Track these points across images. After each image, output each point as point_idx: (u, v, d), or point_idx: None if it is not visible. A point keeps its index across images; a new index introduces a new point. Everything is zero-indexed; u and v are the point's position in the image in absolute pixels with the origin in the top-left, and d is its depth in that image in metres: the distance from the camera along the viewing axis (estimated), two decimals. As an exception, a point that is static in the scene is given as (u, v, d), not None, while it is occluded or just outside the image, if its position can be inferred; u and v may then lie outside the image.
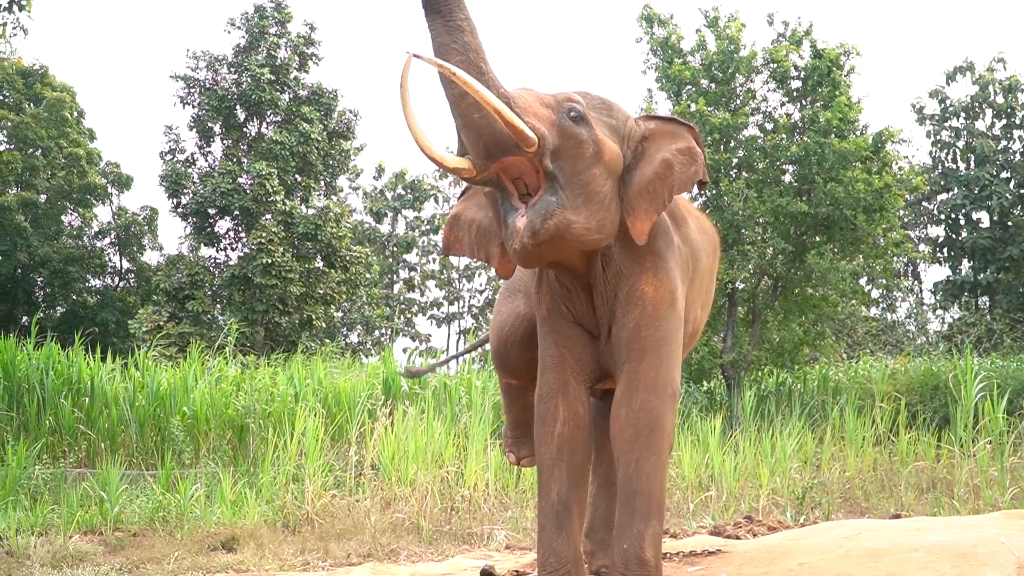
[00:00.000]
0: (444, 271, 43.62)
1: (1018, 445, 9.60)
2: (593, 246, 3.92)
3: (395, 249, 42.63)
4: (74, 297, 31.76)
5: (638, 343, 4.11)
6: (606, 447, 4.72)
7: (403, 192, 43.08)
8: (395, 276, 43.07)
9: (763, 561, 4.80)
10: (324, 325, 28.96)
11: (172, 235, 58.35)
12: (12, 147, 31.34)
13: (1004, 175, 37.07)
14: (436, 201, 43.57)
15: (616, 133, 4.05)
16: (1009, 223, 36.39)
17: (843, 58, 20.79)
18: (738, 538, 6.49)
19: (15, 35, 8.75)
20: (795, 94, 21.00)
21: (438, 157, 3.71)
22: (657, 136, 4.26)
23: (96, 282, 33.04)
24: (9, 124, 31.19)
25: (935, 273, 38.61)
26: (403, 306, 42.80)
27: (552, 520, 4.06)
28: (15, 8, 8.75)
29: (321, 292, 28.36)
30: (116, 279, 33.68)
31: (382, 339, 40.05)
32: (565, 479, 4.08)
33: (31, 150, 31.86)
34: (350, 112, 30.68)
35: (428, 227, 43.35)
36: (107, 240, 33.81)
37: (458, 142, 3.80)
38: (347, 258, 29.09)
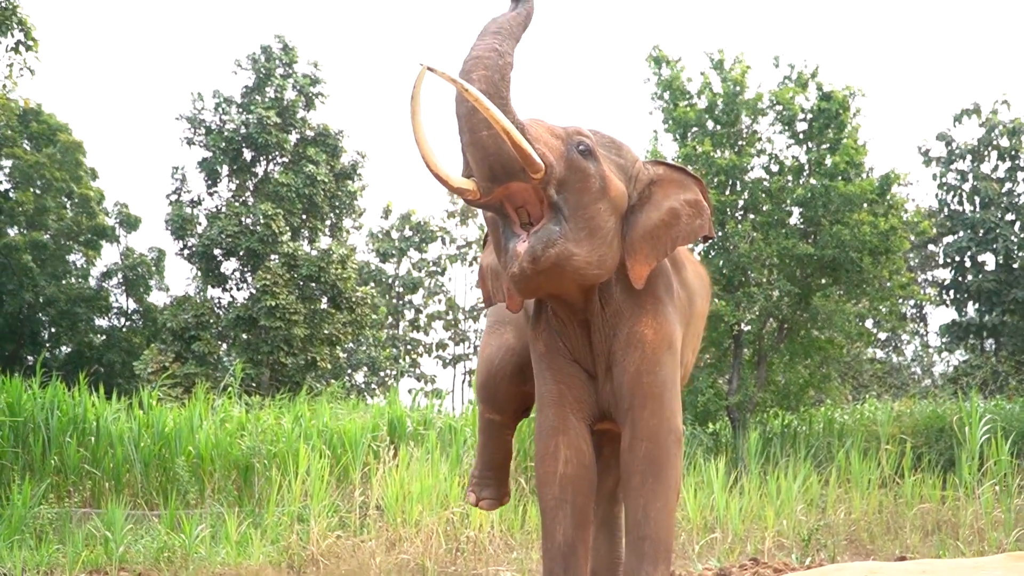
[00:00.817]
0: (450, 312, 43.63)
1: (1023, 487, 9.57)
2: (592, 281, 3.89)
3: (401, 290, 42.64)
4: (80, 337, 31.74)
5: (640, 389, 4.10)
6: (603, 488, 4.70)
7: (409, 233, 43.05)
8: (401, 316, 43.03)
9: (770, 603, 4.78)
10: (329, 366, 28.93)
11: (179, 276, 58.51)
12: (20, 187, 31.37)
13: (1009, 217, 37.11)
14: (443, 243, 43.54)
15: (623, 172, 4.05)
16: (1015, 266, 36.41)
17: (849, 100, 20.87)
18: (742, 581, 6.49)
19: (22, 75, 8.81)
20: (801, 136, 21.04)
21: (443, 175, 3.70)
22: (665, 183, 4.26)
23: (102, 322, 33.07)
24: (23, 164, 31.25)
25: (941, 315, 38.63)
26: (408, 347, 42.77)
27: (560, 564, 4.03)
28: (22, 49, 8.80)
29: (326, 333, 28.35)
30: (122, 319, 33.70)
31: (387, 380, 39.94)
32: (570, 521, 4.05)
33: (41, 191, 31.84)
34: (357, 153, 30.81)
35: (434, 268, 43.35)
36: (114, 281, 33.81)
37: (463, 163, 3.79)
38: (352, 299, 29.10)
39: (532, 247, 3.63)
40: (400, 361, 41.56)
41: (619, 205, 4.01)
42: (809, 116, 20.85)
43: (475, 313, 43.59)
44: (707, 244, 19.66)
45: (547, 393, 4.20)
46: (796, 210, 20.20)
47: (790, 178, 20.39)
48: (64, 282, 31.57)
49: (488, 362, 5.10)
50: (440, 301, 43.94)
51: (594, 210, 3.85)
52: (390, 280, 42.27)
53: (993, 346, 36.39)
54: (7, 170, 31.69)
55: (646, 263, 4.07)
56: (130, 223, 34.67)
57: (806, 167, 20.66)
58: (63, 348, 31.69)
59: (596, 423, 4.31)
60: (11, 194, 31.36)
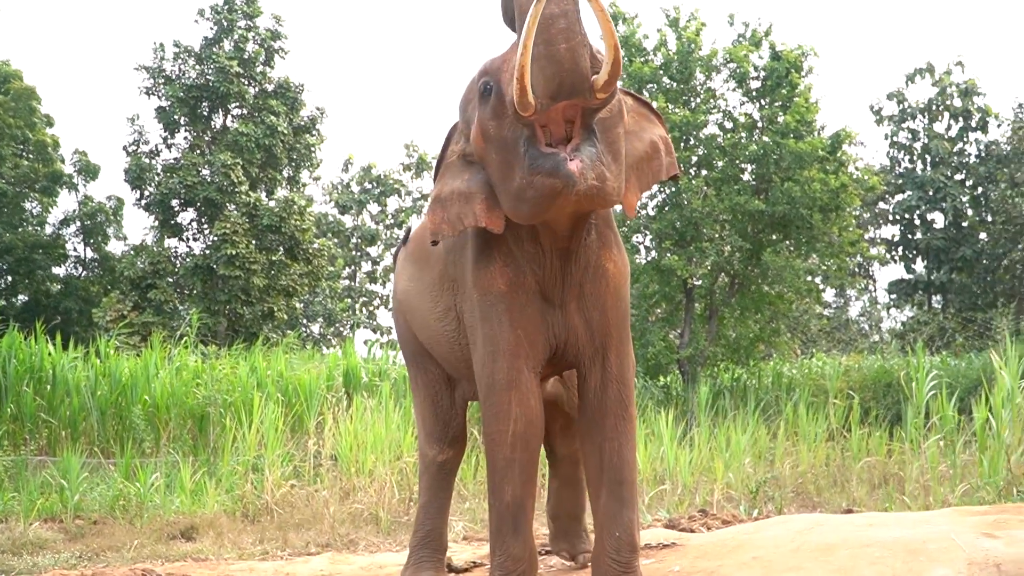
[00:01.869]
0: (406, 263, 43.53)
1: (968, 443, 9.65)
2: (612, 204, 3.78)
3: (359, 242, 42.55)
4: (37, 285, 31.45)
5: (607, 325, 4.04)
6: (566, 451, 4.65)
7: (369, 186, 43.03)
8: (358, 268, 42.98)
9: (717, 555, 4.82)
10: (286, 317, 28.89)
11: (137, 225, 58.09)
12: None
13: (959, 177, 37.33)
14: (400, 196, 43.52)
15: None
16: (963, 224, 36.65)
17: (802, 59, 20.94)
18: (692, 531, 6.54)
19: (-22, 22, 8.63)
20: (754, 94, 21.10)
21: (528, 91, 3.40)
22: (640, 116, 4.15)
23: (59, 270, 32.76)
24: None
25: (889, 272, 38.88)
26: (365, 299, 42.75)
27: (508, 523, 4.00)
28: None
29: (284, 284, 28.30)
30: (80, 268, 33.39)
31: (343, 331, 39.99)
32: (518, 479, 4.00)
33: (-5, 138, 31.53)
34: (316, 108, 30.75)
35: (392, 221, 43.34)
36: (71, 229, 33.45)
37: (519, 91, 3.44)
38: (310, 251, 29.09)
39: (586, 163, 3.45)
40: (356, 312, 41.60)
41: (627, 130, 3.90)
42: (762, 74, 20.91)
43: (429, 264, 43.56)
44: (664, 196, 19.79)
45: (503, 340, 3.97)
46: (748, 167, 20.30)
47: (743, 135, 20.47)
48: (20, 230, 31.17)
49: (429, 399, 5.05)
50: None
51: (616, 134, 3.71)
52: (349, 232, 42.16)
53: (941, 303, 36.68)
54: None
55: (636, 192, 4.00)
56: (89, 171, 34.21)
57: (759, 124, 20.73)
58: (20, 296, 31.36)
59: (542, 368, 4.16)
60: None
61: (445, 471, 5.19)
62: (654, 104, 4.54)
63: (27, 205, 32.50)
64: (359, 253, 42.85)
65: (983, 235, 35.41)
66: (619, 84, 3.93)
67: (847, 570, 4.27)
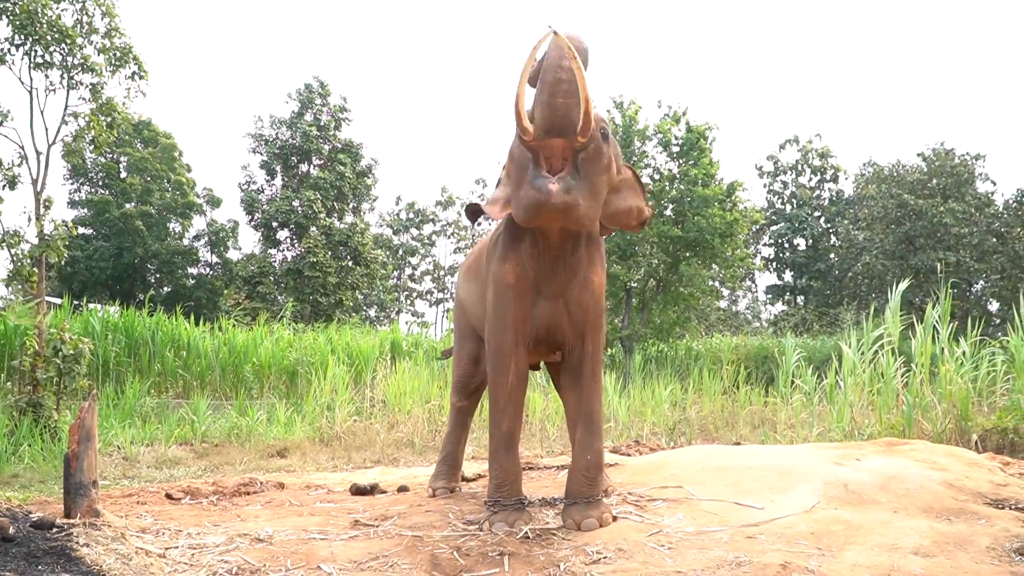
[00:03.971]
0: (435, 269, 44.24)
1: (821, 399, 9.62)
2: (582, 227, 3.72)
3: (403, 253, 43.14)
4: (177, 281, 31.60)
5: (590, 319, 4.01)
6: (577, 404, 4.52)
7: (412, 216, 43.75)
8: (402, 272, 43.42)
9: (646, 472, 4.81)
10: (351, 304, 29.10)
11: (249, 240, 58.20)
12: (133, 175, 31.43)
13: (816, 214, 37.49)
14: (433, 223, 44.31)
15: (616, 161, 3.96)
16: (819, 247, 36.77)
17: (707, 131, 21.00)
18: (629, 455, 6.52)
19: (136, 97, 8.69)
20: (674, 155, 21.15)
21: (523, 113, 3.49)
22: (629, 185, 4.10)
23: (192, 271, 32.94)
24: (134, 159, 31.18)
25: (766, 279, 38.89)
26: (406, 292, 43.26)
27: (503, 445, 4.00)
28: (136, 78, 8.67)
29: (350, 282, 28.57)
30: (207, 269, 33.55)
31: (391, 315, 40.45)
32: (512, 415, 3.99)
33: (148, 178, 31.79)
34: (372, 159, 30.80)
35: (428, 241, 44.15)
36: (202, 242, 33.70)
37: (517, 119, 3.51)
38: (368, 258, 29.35)
39: (563, 188, 3.47)
40: (400, 301, 42.08)
41: (611, 181, 3.88)
42: (680, 141, 20.96)
43: (452, 271, 44.20)
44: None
45: (509, 319, 3.96)
46: (670, 206, 20.33)
47: (667, 184, 20.52)
48: (165, 242, 31.47)
49: (461, 363, 5.07)
50: (429, 263, 44.40)
51: (599, 179, 3.71)
52: (396, 247, 42.74)
53: (802, 301, 36.76)
54: (124, 163, 31.55)
55: (607, 228, 4.02)
56: (214, 202, 34.70)
57: (677, 177, 20.77)
58: (164, 288, 31.45)
59: (531, 343, 4.09)
60: (127, 180, 31.24)
61: (463, 414, 5.22)
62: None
63: (170, 225, 32.65)
64: (403, 261, 43.34)
65: (832, 255, 35.51)
66: (625, 162, 3.94)
67: (738, 483, 4.26)
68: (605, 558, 3.30)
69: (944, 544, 3.27)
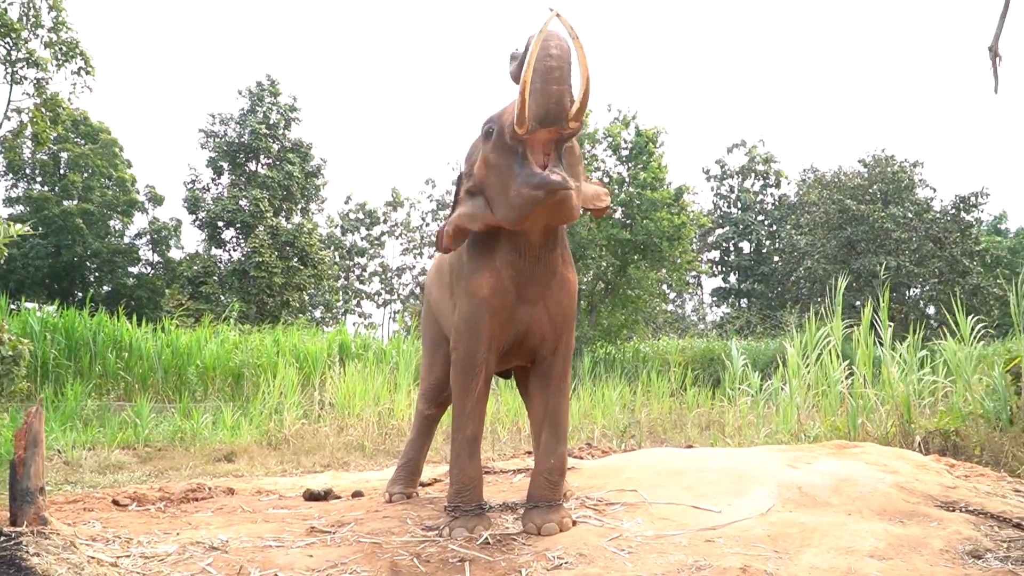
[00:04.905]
0: (383, 271, 44.01)
1: (767, 400, 9.72)
2: (570, 219, 3.64)
3: (352, 254, 42.88)
4: (117, 280, 31.03)
5: (565, 320, 3.96)
6: (544, 406, 4.45)
7: (362, 216, 43.44)
8: (350, 272, 43.11)
9: (603, 475, 4.81)
10: (298, 305, 28.86)
11: (192, 238, 57.41)
12: (73, 171, 30.84)
13: (760, 218, 38.01)
14: (385, 223, 44.01)
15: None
16: (763, 251, 37.30)
17: (657, 135, 21.18)
18: (582, 458, 6.52)
19: (83, 92, 8.55)
20: (624, 159, 21.30)
21: (527, 109, 3.37)
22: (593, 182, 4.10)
23: (133, 270, 32.39)
24: (75, 155, 30.58)
25: (712, 282, 39.36)
26: (353, 293, 42.98)
27: (465, 450, 3.94)
28: (82, 73, 8.50)
29: (296, 282, 28.35)
30: (149, 268, 33.02)
31: (337, 316, 40.21)
32: (476, 420, 3.95)
33: (89, 174, 31.21)
34: (320, 159, 30.60)
35: (376, 241, 43.86)
36: (143, 240, 33.18)
37: (520, 107, 3.37)
38: (315, 259, 29.14)
39: (566, 179, 3.40)
40: (347, 303, 41.79)
41: (582, 174, 3.87)
42: (630, 145, 21.11)
43: (399, 272, 44.04)
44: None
45: (487, 330, 3.87)
46: (619, 209, 20.46)
47: (616, 187, 20.65)
48: (106, 240, 30.92)
49: (433, 375, 4.92)
50: (377, 264, 44.16)
51: (579, 168, 3.74)
52: (346, 248, 42.52)
53: (746, 304, 37.25)
54: (65, 159, 30.92)
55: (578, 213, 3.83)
56: (156, 199, 34.09)
57: (627, 180, 20.91)
58: (104, 288, 30.87)
59: (503, 355, 4.05)
60: (68, 176, 30.64)
61: (430, 422, 5.11)
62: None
63: (111, 223, 32.08)
64: (351, 262, 43.02)
65: (776, 259, 36.01)
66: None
67: (694, 486, 4.28)
68: (566, 563, 3.30)
69: (899, 546, 3.33)
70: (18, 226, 6.53)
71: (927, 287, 25.71)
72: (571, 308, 4.01)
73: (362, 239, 43.67)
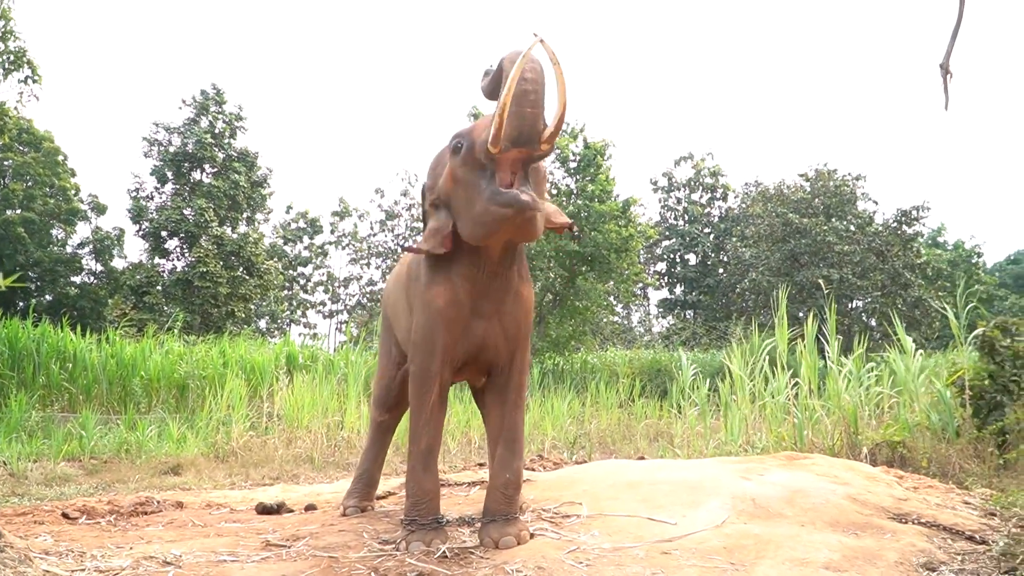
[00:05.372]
0: (329, 280, 43.61)
1: (714, 411, 9.78)
2: (533, 237, 3.67)
3: (296, 264, 42.39)
4: (59, 289, 30.46)
5: (520, 335, 3.97)
6: (499, 422, 4.42)
7: (304, 225, 43.00)
8: (295, 282, 42.63)
9: (558, 487, 4.81)
10: (243, 316, 28.49)
11: (135, 248, 56.46)
12: (15, 179, 30.26)
13: (707, 231, 38.45)
14: (332, 233, 43.68)
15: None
16: (708, 263, 37.72)
17: (605, 148, 21.35)
18: (534, 470, 6.53)
19: (29, 101, 8.37)
20: (572, 171, 21.42)
21: (503, 127, 3.39)
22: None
23: (76, 279, 31.80)
24: (17, 163, 29.95)
25: (659, 294, 39.72)
26: (298, 303, 42.53)
27: (421, 463, 3.92)
28: (29, 82, 8.34)
29: (242, 292, 27.98)
30: (92, 278, 32.44)
31: (282, 326, 39.80)
32: (432, 432, 3.92)
33: (30, 183, 30.63)
34: (267, 168, 30.24)
35: (319, 250, 43.40)
36: (86, 249, 32.63)
37: (496, 128, 3.40)
38: (261, 269, 28.81)
39: (531, 197, 3.44)
40: (293, 313, 41.35)
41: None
42: (578, 158, 21.24)
43: (347, 282, 43.66)
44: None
45: (439, 343, 3.87)
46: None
47: (564, 199, 20.75)
48: (48, 249, 30.40)
49: (384, 377, 4.94)
50: (322, 274, 43.74)
51: (543, 188, 3.76)
52: (290, 258, 41.95)
53: (692, 315, 37.62)
54: (6, 167, 30.36)
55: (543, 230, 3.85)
56: (99, 208, 33.66)
57: (575, 192, 21.02)
58: (46, 297, 30.29)
59: (458, 367, 4.03)
60: (9, 185, 30.06)
61: (383, 429, 5.08)
62: None
63: (53, 232, 31.49)
64: (295, 272, 42.57)
65: (721, 271, 36.44)
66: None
67: (649, 499, 4.30)
68: (525, 576, 3.29)
69: (854, 559, 3.38)
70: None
71: (869, 299, 26.22)
72: (527, 324, 4.03)
73: (305, 248, 43.21)
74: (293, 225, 42.92)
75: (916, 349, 7.72)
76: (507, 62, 3.52)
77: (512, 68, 3.40)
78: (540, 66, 3.44)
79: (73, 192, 32.19)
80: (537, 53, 3.44)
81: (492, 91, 3.71)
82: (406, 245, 4.03)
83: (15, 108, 8.14)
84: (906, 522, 3.93)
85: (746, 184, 36.31)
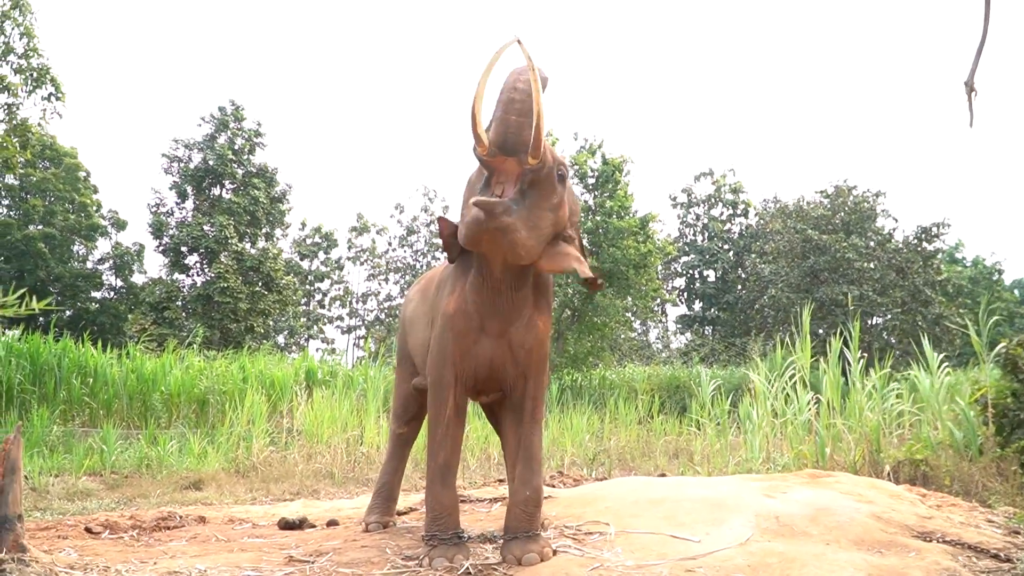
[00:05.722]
0: (346, 296, 43.76)
1: (734, 428, 9.73)
2: (518, 258, 3.66)
3: (312, 279, 42.53)
4: (79, 304, 30.73)
5: (533, 361, 3.97)
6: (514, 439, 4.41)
7: (320, 240, 43.13)
8: (312, 298, 42.78)
9: (580, 504, 4.80)
10: (262, 331, 28.64)
11: (155, 264, 56.84)
12: (36, 195, 30.58)
13: (726, 247, 38.39)
14: (350, 248, 43.75)
15: (574, 215, 3.96)
16: (728, 279, 37.62)
17: (623, 164, 21.39)
18: (554, 487, 6.52)
19: (53, 118, 8.48)
20: (590, 187, 21.45)
21: (479, 125, 3.45)
22: (575, 242, 4.03)
23: (97, 295, 32.05)
24: (36, 179, 30.29)
25: (677, 310, 39.65)
26: (316, 319, 42.65)
27: (439, 478, 3.94)
28: (52, 99, 8.45)
29: (261, 308, 28.11)
30: (112, 293, 32.70)
31: (300, 341, 39.94)
32: (449, 447, 3.95)
33: (52, 199, 30.94)
34: (286, 184, 30.42)
35: (336, 265, 43.55)
36: (106, 265, 32.89)
37: (472, 124, 3.46)
38: (280, 285, 28.95)
39: (501, 205, 3.45)
40: (311, 328, 41.47)
41: (558, 225, 3.81)
42: (596, 174, 21.28)
43: (364, 297, 43.77)
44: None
45: (450, 351, 3.91)
46: (586, 236, 20.59)
47: (582, 215, 20.77)
48: (68, 265, 30.70)
49: (400, 392, 5.01)
50: (339, 289, 43.88)
51: (542, 214, 3.66)
52: (306, 273, 42.07)
53: (711, 331, 37.50)
54: (28, 183, 30.66)
55: (546, 269, 3.88)
56: (119, 224, 33.98)
57: (593, 208, 21.05)
58: (67, 313, 30.54)
59: (470, 385, 4.05)
60: (30, 200, 30.39)
61: (402, 442, 5.12)
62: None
63: (74, 248, 31.79)
64: (313, 287, 42.72)
65: (740, 287, 36.34)
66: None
67: (672, 516, 4.29)
68: (549, 593, 3.29)
69: (879, 576, 3.37)
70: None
71: (889, 316, 26.07)
72: (538, 352, 4.01)
73: (321, 263, 43.35)
74: (308, 240, 43.11)
75: (941, 365, 7.67)
76: (510, 74, 3.55)
77: (525, 77, 3.45)
78: (529, 77, 3.47)
79: (93, 208, 32.52)
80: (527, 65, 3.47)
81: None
82: (442, 216, 4.04)
83: (39, 124, 8.23)
84: (930, 540, 3.91)
85: (765, 200, 36.23)
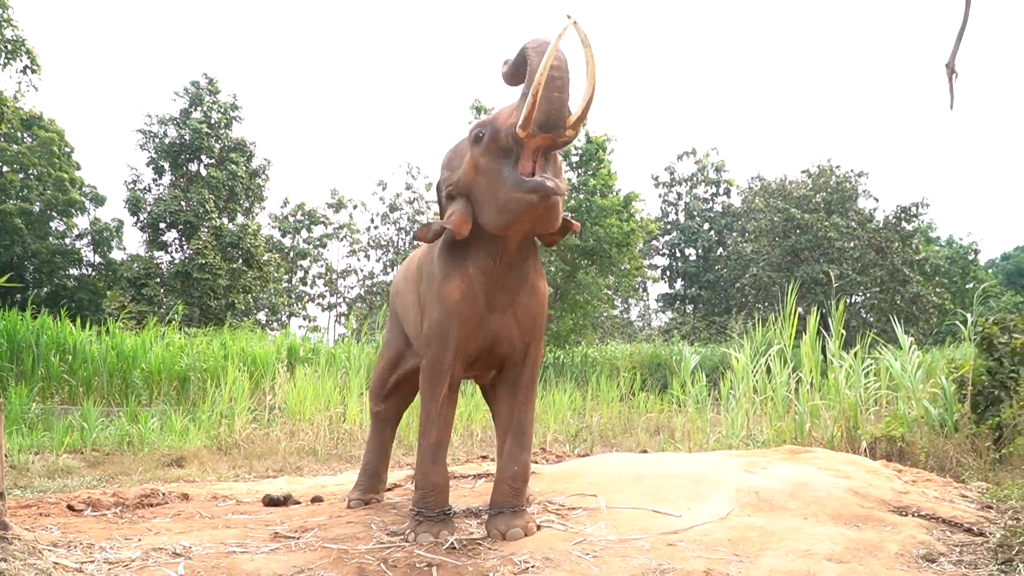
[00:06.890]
0: (327, 272, 43.61)
1: (714, 405, 9.83)
2: (553, 227, 3.70)
3: (294, 256, 42.34)
4: (57, 281, 30.54)
5: (535, 329, 3.98)
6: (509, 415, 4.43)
7: (301, 218, 42.90)
8: (293, 275, 42.62)
9: (564, 480, 4.86)
10: (243, 308, 28.55)
11: (134, 240, 56.35)
12: (14, 170, 30.29)
13: (707, 226, 38.53)
14: (325, 226, 43.53)
15: None
16: (709, 257, 37.78)
17: (606, 143, 21.40)
18: (536, 463, 6.58)
19: (28, 91, 8.38)
20: (574, 165, 21.46)
21: (536, 109, 3.40)
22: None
23: (75, 271, 31.86)
24: (10, 154, 30.00)
25: (658, 288, 39.81)
26: (297, 296, 42.53)
27: (430, 456, 3.96)
28: (28, 71, 8.35)
29: (241, 284, 28.03)
30: (90, 270, 32.50)
31: (282, 319, 39.85)
32: (442, 426, 3.96)
33: (29, 173, 30.67)
34: (265, 159, 30.22)
35: (317, 243, 43.33)
36: (84, 241, 32.69)
37: (529, 110, 3.39)
38: (260, 261, 28.85)
39: (557, 184, 3.48)
40: (292, 306, 41.38)
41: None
42: (579, 152, 21.28)
43: (344, 275, 43.66)
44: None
45: (455, 337, 3.87)
46: (569, 215, 20.64)
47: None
48: (46, 241, 30.46)
49: (379, 369, 5.03)
50: (321, 266, 43.71)
51: (562, 178, 3.77)
52: (287, 250, 41.87)
53: (692, 310, 37.69)
54: (5, 158, 30.38)
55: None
56: (98, 200, 33.73)
57: (576, 186, 21.08)
58: (44, 289, 30.34)
59: (470, 362, 4.06)
60: (6, 175, 30.13)
61: (382, 420, 5.13)
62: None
63: (52, 224, 31.55)
64: (294, 264, 42.54)
65: (721, 266, 36.52)
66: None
67: (654, 491, 4.35)
68: (533, 567, 3.35)
69: (856, 550, 3.44)
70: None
71: (868, 295, 26.30)
72: (541, 317, 4.04)
73: (304, 241, 43.18)
74: (291, 218, 42.86)
75: (912, 347, 7.78)
76: (531, 48, 3.54)
77: (546, 49, 3.40)
78: (563, 53, 3.46)
79: (71, 183, 32.25)
80: (563, 38, 3.45)
81: (514, 76, 3.72)
82: (418, 228, 4.01)
83: (14, 97, 8.15)
84: (906, 515, 4.00)
85: (750, 179, 36.37)
